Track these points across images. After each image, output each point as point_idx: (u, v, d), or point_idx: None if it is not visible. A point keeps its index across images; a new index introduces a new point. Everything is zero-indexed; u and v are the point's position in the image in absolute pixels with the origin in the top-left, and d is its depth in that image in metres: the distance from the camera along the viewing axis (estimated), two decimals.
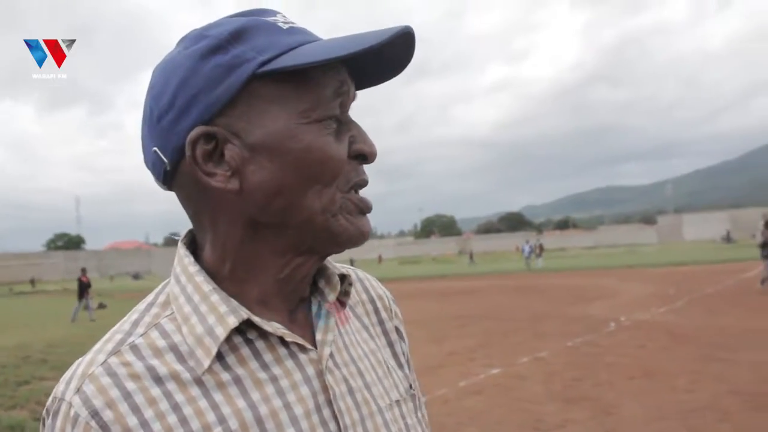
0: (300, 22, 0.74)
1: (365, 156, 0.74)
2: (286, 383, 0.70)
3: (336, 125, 0.72)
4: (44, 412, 0.69)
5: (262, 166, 0.69)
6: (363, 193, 0.76)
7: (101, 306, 22.48)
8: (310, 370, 0.73)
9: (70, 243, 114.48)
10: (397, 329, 0.94)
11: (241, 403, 0.67)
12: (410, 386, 0.89)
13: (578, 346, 9.93)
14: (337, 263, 0.93)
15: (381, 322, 0.92)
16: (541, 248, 36.75)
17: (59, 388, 0.68)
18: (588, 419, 5.96)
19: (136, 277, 65.11)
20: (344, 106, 0.73)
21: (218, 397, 0.67)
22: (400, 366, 0.90)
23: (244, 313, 0.69)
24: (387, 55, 0.72)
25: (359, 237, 0.74)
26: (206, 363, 0.67)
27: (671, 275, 24.40)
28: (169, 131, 0.70)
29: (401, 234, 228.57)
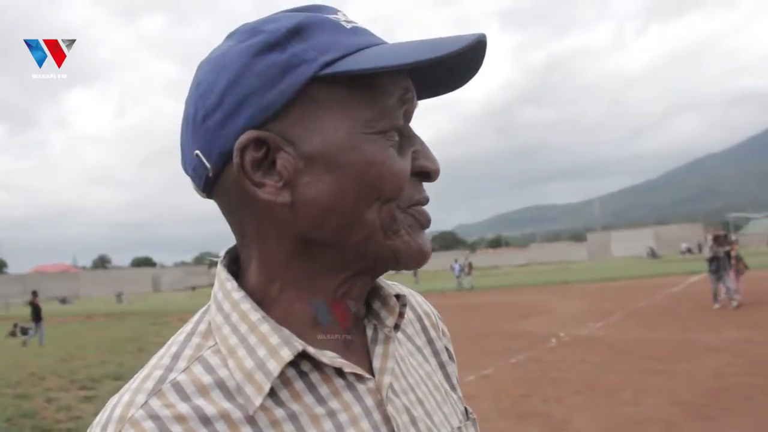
0: None
1: (428, 174, 0.68)
2: (345, 417, 0.64)
3: (399, 138, 0.66)
4: None
5: (319, 178, 0.63)
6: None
7: (24, 331, 21.31)
8: (369, 402, 0.66)
9: None
10: (447, 349, 0.88)
11: None
12: (466, 409, 0.84)
13: (522, 362, 10.06)
14: (389, 281, 0.88)
15: (431, 342, 0.85)
16: (470, 267, 36.10)
17: None
18: None
19: (63, 301, 62.07)
20: (408, 117, 0.68)
21: None
22: (453, 388, 0.85)
23: (299, 345, 0.63)
24: (453, 65, 0.66)
25: (421, 255, 0.67)
26: (258, 401, 0.61)
27: (604, 291, 25.06)
28: (215, 133, 0.63)
29: None
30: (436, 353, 0.85)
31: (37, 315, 19.41)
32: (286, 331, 0.64)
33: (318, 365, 0.65)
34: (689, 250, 69.34)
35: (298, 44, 0.62)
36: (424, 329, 0.86)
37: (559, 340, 12.13)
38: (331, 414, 0.64)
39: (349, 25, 0.65)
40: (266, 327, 0.64)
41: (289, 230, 0.65)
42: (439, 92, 0.73)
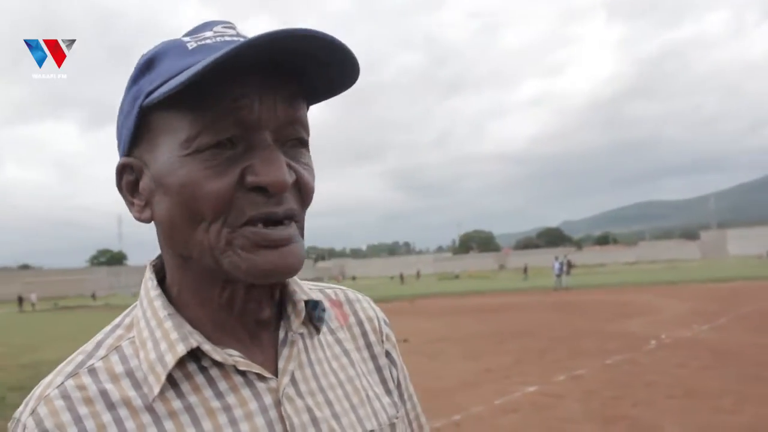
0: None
1: (263, 188, 0.65)
2: (240, 413, 0.68)
3: (230, 153, 0.65)
4: (7, 429, 0.69)
5: (161, 199, 0.68)
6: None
7: None
8: (268, 400, 0.70)
9: (113, 259, 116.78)
10: (387, 353, 0.90)
11: None
12: (396, 415, 0.84)
13: (617, 364, 9.73)
14: (326, 284, 0.91)
15: (369, 346, 0.88)
16: (570, 265, 34.64)
17: (19, 408, 0.68)
18: None
19: None
20: (245, 125, 0.65)
21: (168, 425, 0.66)
22: (388, 392, 0.86)
23: (194, 341, 0.68)
24: (324, 60, 0.65)
25: (257, 275, 0.66)
26: (156, 390, 0.66)
27: (714, 291, 23.85)
28: (119, 155, 0.73)
29: (440, 250, 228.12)
30: (373, 357, 0.88)
31: None
32: (188, 328, 0.69)
33: (219, 362, 0.69)
34: None
35: (145, 77, 0.68)
36: (364, 333, 0.88)
37: (660, 342, 11.64)
38: (227, 408, 0.68)
39: (194, 45, 0.67)
40: (170, 323, 0.70)
41: (162, 242, 0.73)
42: (330, 93, 0.73)
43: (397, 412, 0.85)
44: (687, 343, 11.35)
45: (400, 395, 0.90)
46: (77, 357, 0.71)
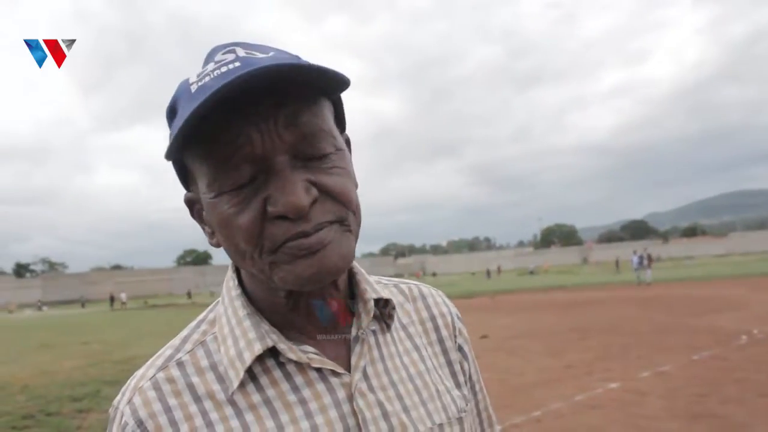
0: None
1: (284, 216, 0.67)
2: (315, 406, 0.73)
3: (251, 187, 0.68)
4: (109, 415, 0.77)
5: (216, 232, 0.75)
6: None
7: None
8: (341, 394, 0.75)
9: (198, 259, 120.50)
10: (460, 347, 0.93)
11: (270, 424, 0.71)
12: (465, 408, 0.87)
13: (704, 360, 9.39)
14: (400, 279, 0.95)
15: (441, 341, 0.91)
16: (650, 259, 32.49)
17: (117, 397, 0.76)
18: None
19: None
20: (255, 158, 0.67)
21: (249, 417, 0.72)
22: (458, 386, 0.89)
23: (270, 341, 0.73)
24: (301, 79, 0.67)
25: (299, 282, 0.70)
26: (235, 384, 0.72)
27: None
28: None
29: (521, 245, 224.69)
30: (444, 351, 0.91)
31: None
32: (265, 328, 0.75)
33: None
34: None
35: (171, 123, 0.73)
36: (436, 328, 0.92)
37: (751, 338, 11.13)
38: (302, 402, 0.73)
39: (195, 87, 0.68)
40: (248, 323, 0.75)
41: None
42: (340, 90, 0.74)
43: (466, 405, 0.89)
44: None
45: (471, 389, 0.93)
46: (166, 351, 0.78)
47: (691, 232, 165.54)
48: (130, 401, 0.73)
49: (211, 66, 0.69)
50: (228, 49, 0.71)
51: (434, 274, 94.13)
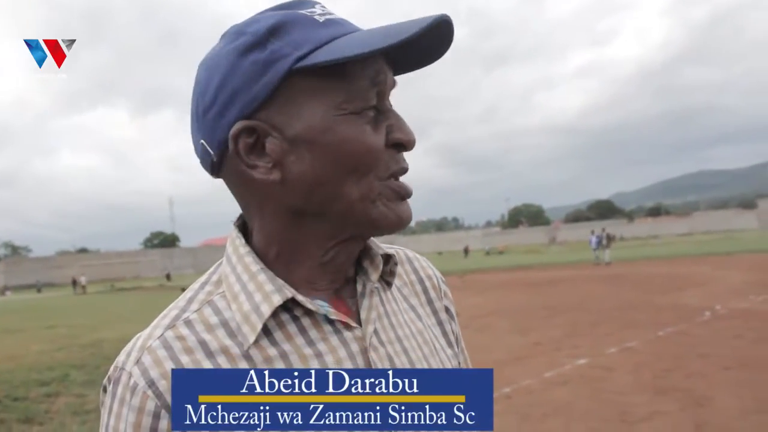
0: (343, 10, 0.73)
1: (403, 144, 0.74)
2: (331, 359, 0.73)
3: (374, 114, 0.73)
4: (106, 380, 0.73)
5: (302, 157, 0.71)
6: (404, 179, 0.77)
7: None
8: (355, 347, 0.75)
9: (166, 241, 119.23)
10: (446, 309, 0.95)
11: None
12: (459, 365, 0.90)
13: (670, 335, 9.59)
14: (386, 245, 0.95)
15: (430, 302, 0.93)
16: (609, 238, 32.26)
17: (120, 358, 0.72)
18: (678, 411, 5.76)
19: None
20: (382, 95, 0.74)
21: None
22: (450, 345, 0.91)
23: (289, 292, 0.72)
24: (424, 43, 0.72)
25: (399, 222, 0.75)
26: (251, 339, 0.70)
27: None
28: (213, 125, 0.73)
29: (489, 225, 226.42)
30: (435, 312, 0.93)
31: None
32: (280, 281, 0.74)
33: (310, 312, 0.74)
34: None
35: (276, 42, 0.70)
36: (425, 290, 0.94)
37: (714, 314, 11.40)
38: (318, 355, 0.73)
39: (322, 19, 0.72)
40: (263, 276, 0.74)
41: (281, 204, 0.74)
42: (412, 68, 0.80)
43: (459, 364, 0.91)
44: (743, 314, 11.09)
45: (459, 347, 0.95)
46: (171, 312, 0.75)
47: (656, 212, 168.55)
48: (138, 361, 0.70)
49: (319, 10, 0.74)
50: (323, 5, 0.76)
51: None
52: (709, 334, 9.47)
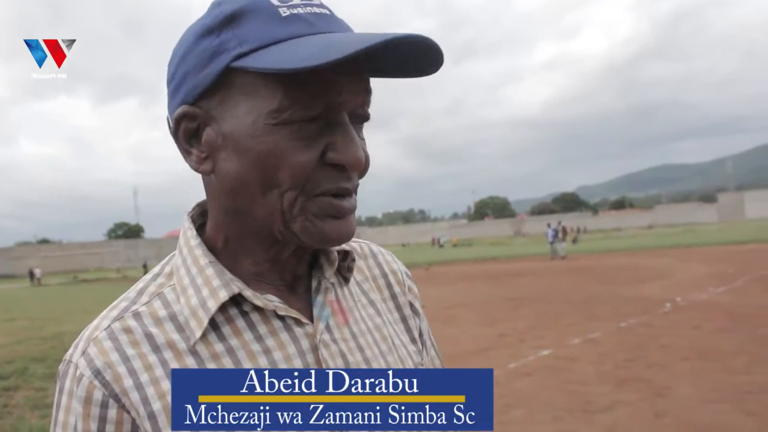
0: None
1: (342, 166, 0.69)
2: (280, 355, 0.71)
3: (314, 127, 0.67)
4: (57, 373, 0.73)
5: (230, 156, 0.69)
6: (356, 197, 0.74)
7: None
8: (305, 344, 0.73)
9: (130, 232, 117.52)
10: (411, 304, 0.93)
11: None
12: (421, 362, 0.88)
13: (631, 327, 9.76)
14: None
15: (393, 297, 0.92)
16: (565, 232, 31.95)
17: (69, 351, 0.72)
18: (639, 400, 5.87)
19: None
20: (333, 107, 0.68)
21: (211, 366, 0.69)
22: (413, 341, 0.90)
23: (236, 288, 0.71)
24: (410, 53, 0.67)
25: (323, 240, 0.71)
26: (198, 334, 0.69)
27: (732, 254, 23.72)
28: (171, 102, 0.73)
29: (455, 217, 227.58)
30: (398, 307, 0.92)
31: None
32: (229, 276, 0.73)
33: (259, 308, 0.72)
34: None
35: (228, 32, 0.67)
36: (388, 285, 0.92)
37: (675, 305, 11.64)
38: (267, 351, 0.71)
39: (286, 12, 0.67)
40: (211, 270, 0.73)
41: (217, 195, 0.74)
42: (411, 75, 0.74)
43: (422, 359, 0.89)
44: (702, 306, 11.35)
45: (423, 344, 0.93)
46: (121, 303, 0.74)
47: (620, 205, 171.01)
48: (84, 352, 0.69)
49: (297, 1, 0.68)
50: None
51: None
52: (670, 326, 9.66)
